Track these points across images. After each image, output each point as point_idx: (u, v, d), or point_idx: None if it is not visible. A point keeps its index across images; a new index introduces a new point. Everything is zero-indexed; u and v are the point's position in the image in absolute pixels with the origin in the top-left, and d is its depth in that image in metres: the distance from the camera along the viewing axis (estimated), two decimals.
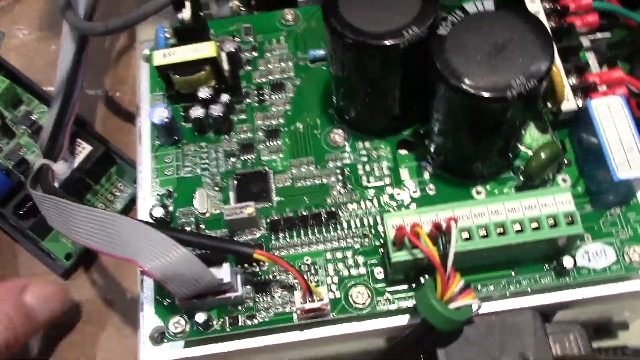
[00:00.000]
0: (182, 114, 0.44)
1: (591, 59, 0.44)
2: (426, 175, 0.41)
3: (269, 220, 0.40)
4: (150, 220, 0.40)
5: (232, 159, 0.43)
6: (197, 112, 0.42)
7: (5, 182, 0.48)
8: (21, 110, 0.52)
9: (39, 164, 0.43)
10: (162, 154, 0.43)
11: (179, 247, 0.35)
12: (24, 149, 0.50)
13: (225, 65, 0.44)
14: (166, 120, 0.41)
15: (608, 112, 0.38)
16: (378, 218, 0.40)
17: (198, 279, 0.35)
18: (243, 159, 0.43)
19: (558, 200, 0.35)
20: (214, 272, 0.36)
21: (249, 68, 0.46)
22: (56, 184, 0.44)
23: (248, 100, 0.45)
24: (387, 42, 0.35)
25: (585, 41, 0.44)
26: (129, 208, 0.52)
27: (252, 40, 0.47)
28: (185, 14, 0.43)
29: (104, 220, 0.37)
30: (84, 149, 0.50)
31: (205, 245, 0.37)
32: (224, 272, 0.36)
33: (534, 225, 0.35)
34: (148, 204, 0.41)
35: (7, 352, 0.39)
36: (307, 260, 0.39)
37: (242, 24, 0.47)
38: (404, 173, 0.41)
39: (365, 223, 0.40)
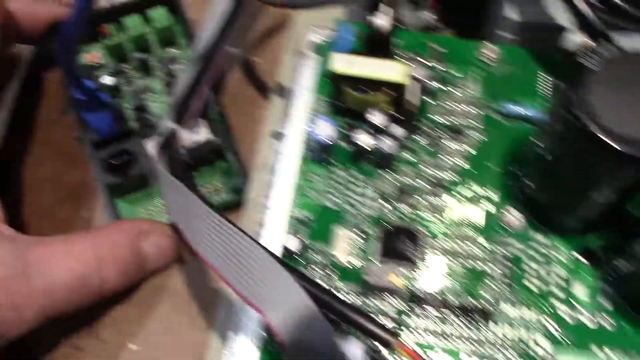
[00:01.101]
0: (342, 130, 0.38)
1: None
2: (604, 302, 0.34)
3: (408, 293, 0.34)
4: (279, 253, 0.34)
5: (384, 203, 0.36)
6: (363, 138, 0.36)
7: (109, 126, 0.41)
8: (170, 52, 0.45)
9: (170, 127, 0.38)
10: (307, 170, 0.37)
11: (313, 307, 0.29)
12: (149, 93, 0.44)
13: (411, 96, 0.37)
14: (330, 141, 0.35)
15: None
16: (540, 339, 0.33)
17: (324, 353, 0.29)
18: (396, 206, 0.36)
19: None
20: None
21: (430, 100, 0.39)
22: None
23: (421, 141, 0.38)
24: None
25: None
26: None
27: (442, 68, 0.40)
28: (383, 20, 0.37)
29: (229, 236, 0.31)
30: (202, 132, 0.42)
31: (338, 311, 0.31)
32: (353, 350, 0.31)
33: None
34: (279, 227, 0.36)
35: (110, 295, 0.36)
36: (437, 352, 0.33)
37: (435, 44, 0.41)
38: (579, 289, 0.34)
39: (524, 336, 0.33)
